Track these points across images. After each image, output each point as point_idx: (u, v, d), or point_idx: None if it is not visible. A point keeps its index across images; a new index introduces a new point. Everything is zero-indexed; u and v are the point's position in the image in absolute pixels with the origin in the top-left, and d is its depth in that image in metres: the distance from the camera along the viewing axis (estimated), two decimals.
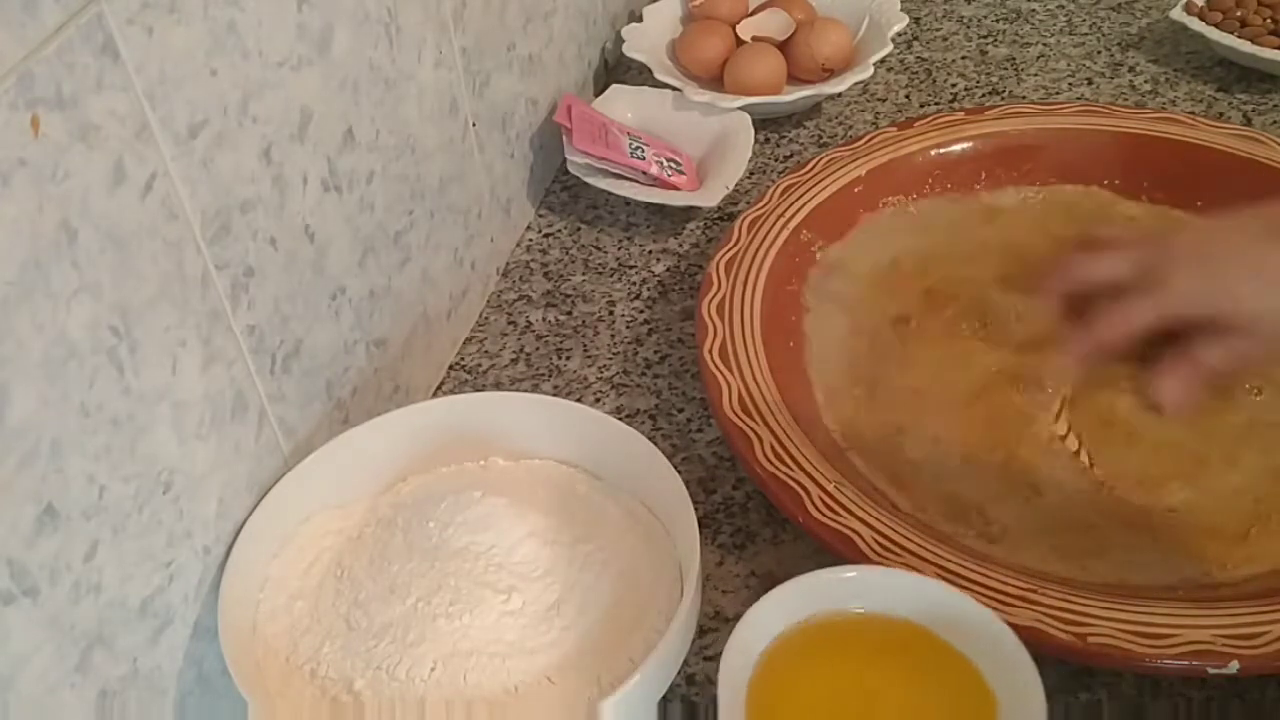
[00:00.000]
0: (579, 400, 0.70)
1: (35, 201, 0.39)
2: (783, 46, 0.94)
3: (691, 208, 0.84)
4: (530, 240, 0.84)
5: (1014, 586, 0.53)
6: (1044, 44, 1.01)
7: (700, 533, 0.52)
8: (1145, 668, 0.51)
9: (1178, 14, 0.95)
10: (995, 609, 0.51)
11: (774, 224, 0.75)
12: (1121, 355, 0.56)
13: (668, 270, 0.81)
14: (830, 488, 0.58)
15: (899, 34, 0.96)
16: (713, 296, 0.70)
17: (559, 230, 0.85)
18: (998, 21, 1.04)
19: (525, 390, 0.72)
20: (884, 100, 0.95)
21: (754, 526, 0.63)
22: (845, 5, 0.98)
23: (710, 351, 0.66)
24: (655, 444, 0.56)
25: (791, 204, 0.76)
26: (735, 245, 0.73)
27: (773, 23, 0.95)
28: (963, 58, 1.00)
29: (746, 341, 0.67)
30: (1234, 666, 0.50)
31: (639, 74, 0.97)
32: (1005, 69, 0.98)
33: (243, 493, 0.53)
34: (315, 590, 0.54)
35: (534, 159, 0.86)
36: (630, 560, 0.54)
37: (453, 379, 0.74)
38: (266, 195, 0.53)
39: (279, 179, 0.53)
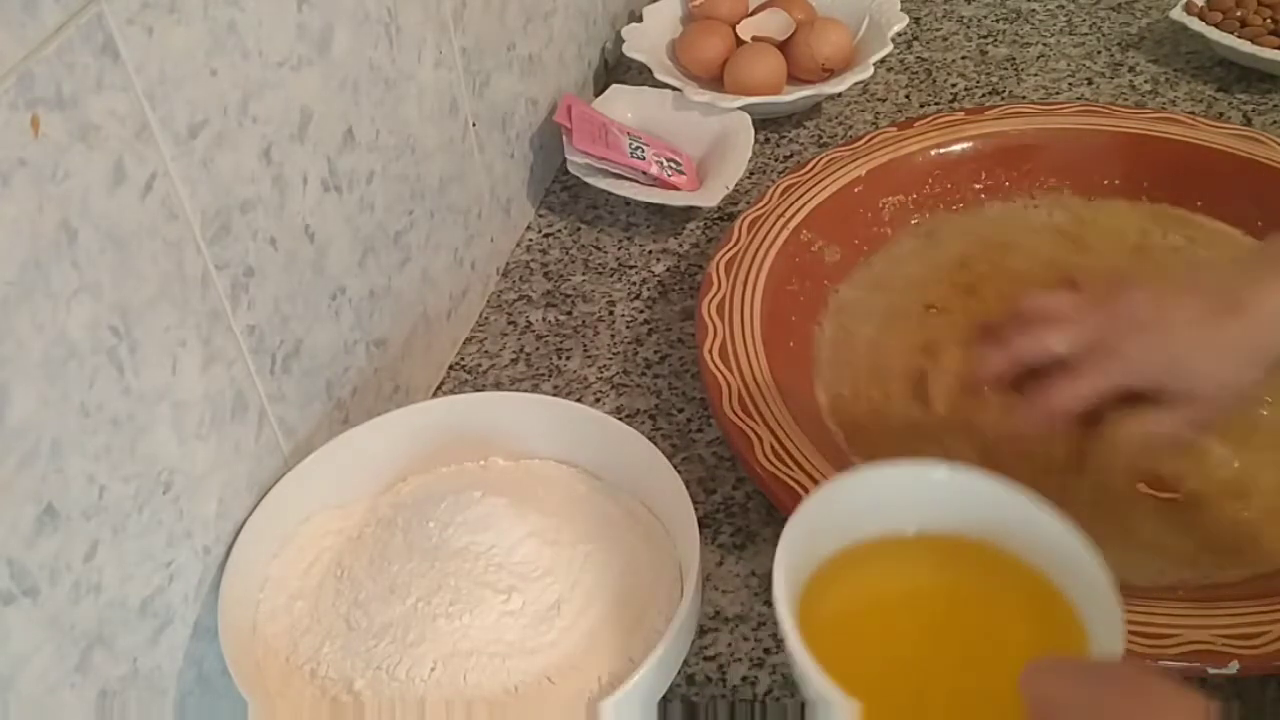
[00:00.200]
0: (579, 400, 0.70)
1: (35, 201, 0.39)
2: (783, 46, 0.94)
3: (691, 208, 0.84)
4: (530, 240, 0.84)
5: None
6: (1044, 44, 1.01)
7: (700, 533, 0.52)
8: None
9: (1178, 14, 0.95)
10: None
11: (774, 224, 0.75)
12: (1073, 421, 0.54)
13: (668, 270, 0.81)
14: None
15: (899, 34, 0.96)
16: (713, 296, 0.70)
17: (559, 230, 0.85)
18: (998, 21, 1.04)
19: (525, 390, 0.72)
20: (884, 100, 0.95)
21: (754, 526, 0.63)
22: (845, 5, 0.98)
23: (710, 351, 0.66)
24: (655, 444, 0.56)
25: (791, 204, 0.76)
26: (735, 245, 0.73)
27: (773, 23, 0.95)
28: (963, 58, 1.00)
29: (746, 341, 0.67)
30: (1234, 666, 0.50)
31: (639, 74, 0.97)
32: (1005, 69, 0.98)
33: (243, 493, 0.53)
34: (315, 590, 0.54)
35: (534, 159, 0.86)
36: (630, 560, 0.54)
37: (453, 379, 0.74)
38: (266, 195, 0.53)
39: (279, 179, 0.53)
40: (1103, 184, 0.80)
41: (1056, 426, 0.54)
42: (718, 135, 0.88)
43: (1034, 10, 1.06)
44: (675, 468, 0.55)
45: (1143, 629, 0.51)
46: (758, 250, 0.73)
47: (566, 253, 0.83)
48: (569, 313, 0.78)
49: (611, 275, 0.80)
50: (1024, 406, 0.55)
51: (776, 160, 0.90)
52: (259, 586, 0.54)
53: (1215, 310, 0.51)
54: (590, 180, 0.83)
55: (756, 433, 0.61)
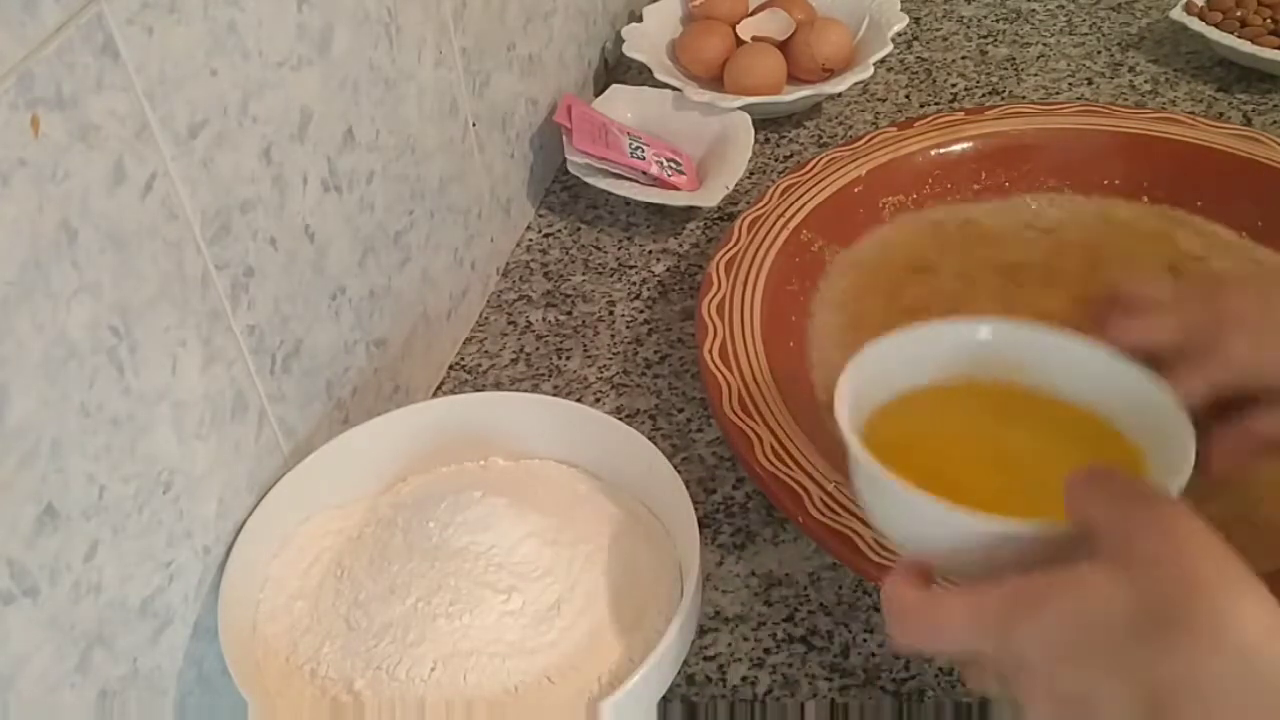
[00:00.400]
0: (579, 400, 0.70)
1: (35, 201, 0.39)
2: (783, 46, 0.94)
3: (691, 208, 0.84)
4: (530, 240, 0.84)
5: None
6: (1044, 44, 1.01)
7: (700, 533, 0.52)
8: None
9: (1178, 14, 0.95)
10: None
11: (774, 224, 0.75)
12: None
13: (668, 270, 0.81)
14: (830, 488, 0.58)
15: (899, 34, 0.96)
16: (713, 296, 0.70)
17: (559, 230, 0.85)
18: (998, 21, 1.04)
19: (525, 390, 0.72)
20: (884, 100, 0.95)
21: (754, 526, 0.63)
22: (845, 5, 0.98)
23: (710, 351, 0.66)
24: (655, 444, 0.56)
25: (791, 204, 0.76)
26: (735, 245, 0.73)
27: (773, 23, 0.95)
28: (963, 58, 1.00)
29: (746, 341, 0.67)
30: None
31: (639, 74, 0.97)
32: (1005, 69, 0.98)
33: (243, 493, 0.53)
34: (315, 590, 0.54)
35: (534, 159, 0.86)
36: (630, 560, 0.54)
37: (453, 379, 0.74)
38: (266, 195, 0.53)
39: (279, 179, 0.53)
40: (1103, 184, 0.80)
41: None
42: (718, 135, 0.88)
43: (1034, 10, 1.06)
44: (675, 468, 0.55)
45: None
46: (758, 250, 0.73)
47: (566, 253, 0.83)
48: (569, 313, 0.78)
49: (611, 275, 0.81)
50: None
51: (776, 160, 0.90)
52: (259, 586, 0.54)
53: None
54: (590, 180, 0.84)
55: (756, 433, 0.61)
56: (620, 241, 0.83)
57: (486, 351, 0.76)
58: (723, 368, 0.65)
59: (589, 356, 0.74)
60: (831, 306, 0.73)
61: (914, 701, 0.54)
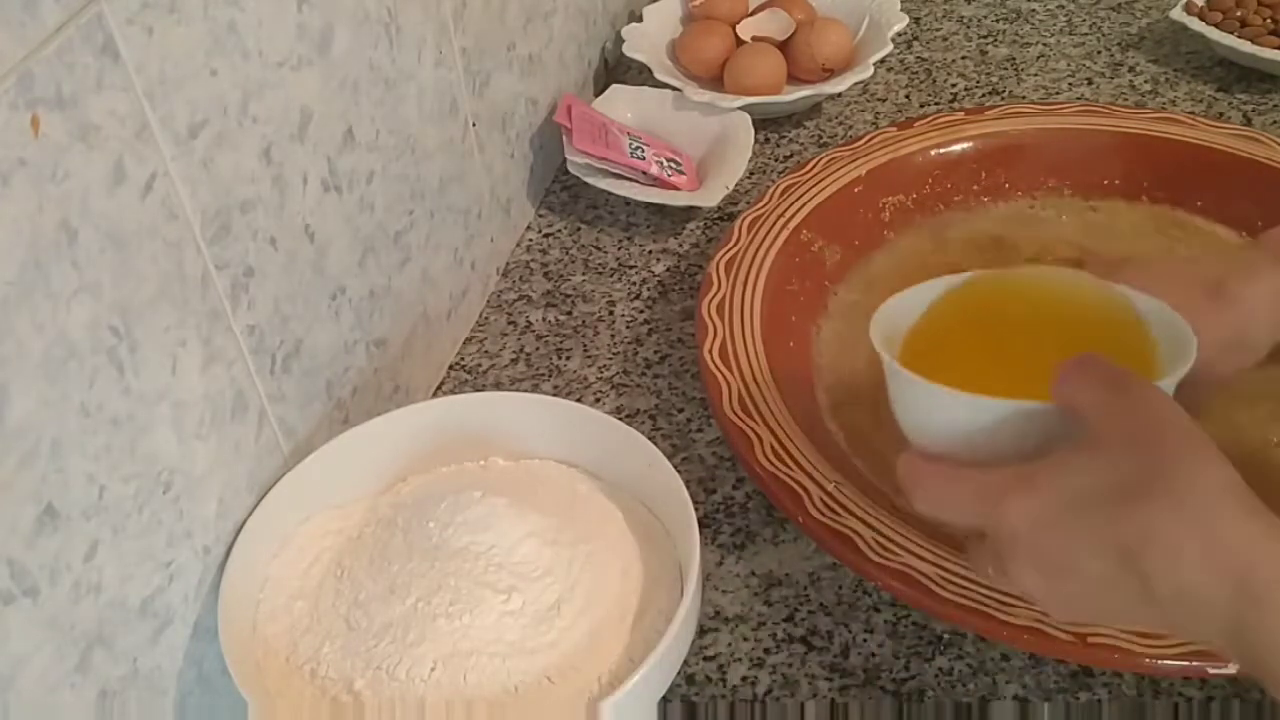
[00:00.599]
0: (579, 400, 0.70)
1: (35, 201, 0.39)
2: (783, 46, 0.94)
3: (691, 208, 0.84)
4: (530, 240, 0.84)
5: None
6: (1044, 44, 1.01)
7: (700, 533, 0.52)
8: (1145, 668, 0.51)
9: (1178, 14, 0.95)
10: (995, 609, 0.51)
11: (774, 224, 0.75)
12: None
13: (668, 270, 0.81)
14: (830, 488, 0.58)
15: (899, 34, 0.96)
16: (713, 296, 0.70)
17: (559, 230, 0.85)
18: (998, 21, 1.04)
19: (525, 390, 0.72)
20: (884, 100, 0.95)
21: (754, 526, 0.63)
22: (845, 5, 0.98)
23: (710, 351, 0.66)
24: (655, 444, 0.56)
25: (791, 204, 0.76)
26: (735, 245, 0.73)
27: (773, 23, 0.95)
28: (963, 58, 1.00)
29: (746, 341, 0.67)
30: (1234, 666, 0.49)
31: (639, 74, 0.97)
32: (1005, 69, 0.98)
33: (243, 493, 0.53)
34: (315, 590, 0.54)
35: (534, 159, 0.86)
36: (630, 560, 0.54)
37: (453, 379, 0.74)
38: (266, 195, 0.53)
39: (279, 179, 0.53)
40: (1103, 184, 0.80)
41: None
42: (718, 135, 0.88)
43: (1034, 10, 1.06)
44: (675, 468, 0.55)
45: (1143, 629, 0.51)
46: (758, 250, 0.73)
47: (566, 253, 0.83)
48: (569, 313, 0.78)
49: (611, 275, 0.81)
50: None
51: (776, 160, 0.90)
52: (259, 586, 0.54)
53: (1205, 297, 0.52)
54: (590, 180, 0.84)
55: (756, 433, 0.61)
56: (620, 241, 0.83)
57: (486, 351, 0.76)
58: (723, 368, 0.65)
59: (589, 356, 0.74)
60: (835, 312, 0.74)
61: (914, 701, 0.54)
